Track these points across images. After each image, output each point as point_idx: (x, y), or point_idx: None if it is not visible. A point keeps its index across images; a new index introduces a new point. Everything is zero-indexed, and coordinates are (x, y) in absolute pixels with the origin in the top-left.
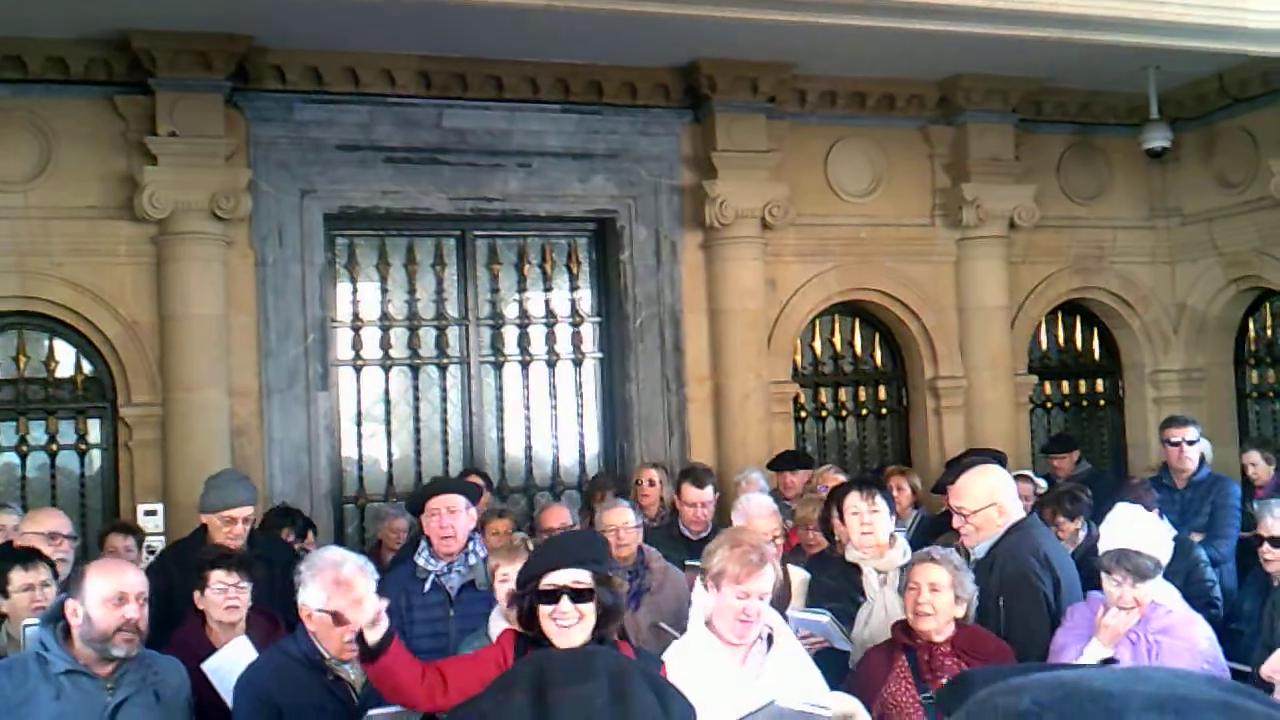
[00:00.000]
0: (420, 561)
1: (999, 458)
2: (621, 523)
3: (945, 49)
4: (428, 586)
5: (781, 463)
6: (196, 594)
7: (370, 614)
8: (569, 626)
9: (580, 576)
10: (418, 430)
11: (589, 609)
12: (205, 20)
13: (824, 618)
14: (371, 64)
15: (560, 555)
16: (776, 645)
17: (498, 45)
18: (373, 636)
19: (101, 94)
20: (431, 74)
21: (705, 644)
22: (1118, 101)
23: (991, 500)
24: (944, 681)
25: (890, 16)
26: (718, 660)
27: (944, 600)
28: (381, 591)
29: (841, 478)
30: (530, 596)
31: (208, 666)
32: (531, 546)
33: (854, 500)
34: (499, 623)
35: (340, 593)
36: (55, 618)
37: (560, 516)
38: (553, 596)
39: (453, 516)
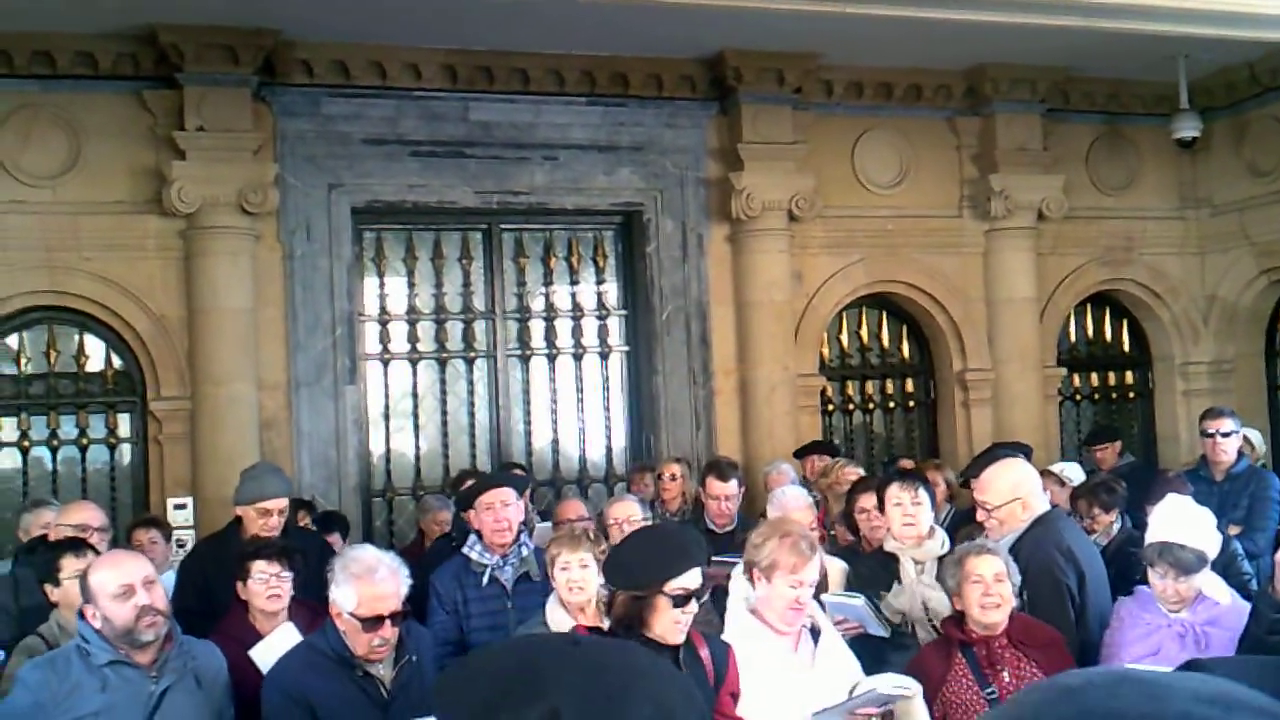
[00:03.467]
0: (474, 555)
1: (1024, 451)
2: (625, 516)
3: (971, 38)
4: (485, 580)
5: (805, 450)
6: (239, 584)
7: None
8: (687, 627)
9: (699, 576)
10: (445, 424)
11: None
12: (232, 14)
13: (858, 601)
14: (398, 58)
15: (689, 557)
16: (824, 636)
17: (523, 38)
18: None
19: (129, 89)
20: (457, 67)
21: (757, 633)
22: (1146, 90)
23: (1015, 495)
24: (1005, 675)
25: (916, 5)
26: (774, 648)
27: (1007, 590)
28: (437, 586)
29: (859, 472)
30: (653, 598)
31: (255, 653)
32: (593, 536)
33: (896, 491)
34: (556, 611)
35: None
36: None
37: (576, 509)
38: (684, 600)
39: (506, 510)
